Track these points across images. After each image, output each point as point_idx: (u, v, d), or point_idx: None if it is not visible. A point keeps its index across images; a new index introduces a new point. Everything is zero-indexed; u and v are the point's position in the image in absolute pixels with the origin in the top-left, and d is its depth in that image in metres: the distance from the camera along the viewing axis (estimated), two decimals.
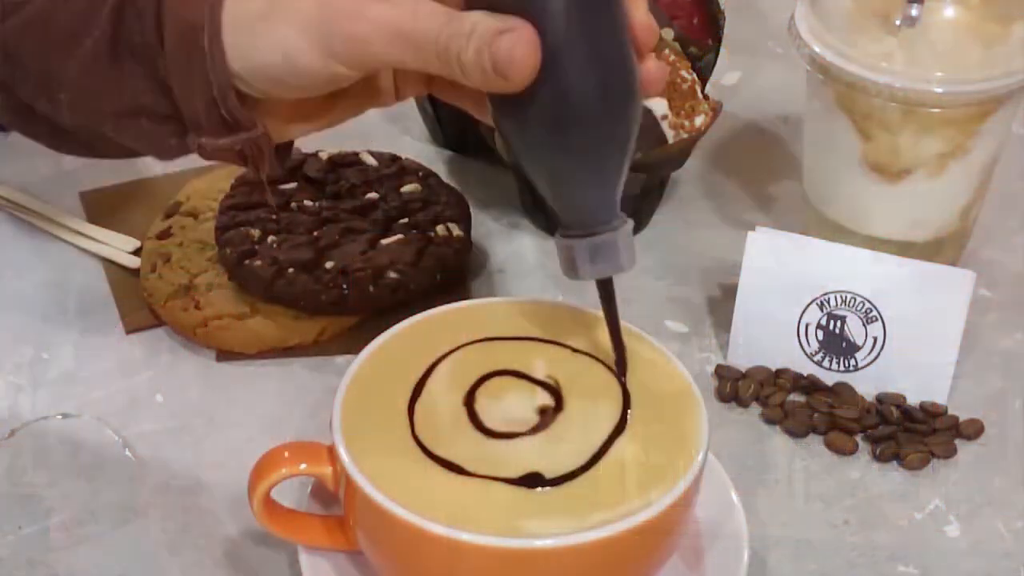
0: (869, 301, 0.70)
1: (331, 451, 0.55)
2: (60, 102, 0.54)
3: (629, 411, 0.56)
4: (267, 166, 0.55)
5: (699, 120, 0.78)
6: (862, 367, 0.71)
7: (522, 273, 0.80)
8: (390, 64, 0.52)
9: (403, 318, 0.61)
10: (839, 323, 0.70)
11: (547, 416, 0.55)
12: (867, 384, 0.71)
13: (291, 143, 0.58)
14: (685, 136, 0.77)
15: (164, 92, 0.52)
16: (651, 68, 0.52)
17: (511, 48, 0.48)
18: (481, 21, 0.49)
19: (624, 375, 0.57)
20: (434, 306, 0.62)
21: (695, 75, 0.80)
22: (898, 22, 0.71)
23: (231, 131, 0.53)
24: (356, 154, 0.81)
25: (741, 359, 0.73)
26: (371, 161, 0.81)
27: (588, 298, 0.77)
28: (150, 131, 0.53)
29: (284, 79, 0.51)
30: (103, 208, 0.83)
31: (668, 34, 0.82)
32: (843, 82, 0.71)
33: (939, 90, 0.69)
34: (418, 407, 0.56)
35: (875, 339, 0.70)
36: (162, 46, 0.51)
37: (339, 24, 0.50)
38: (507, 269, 0.80)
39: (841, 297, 0.70)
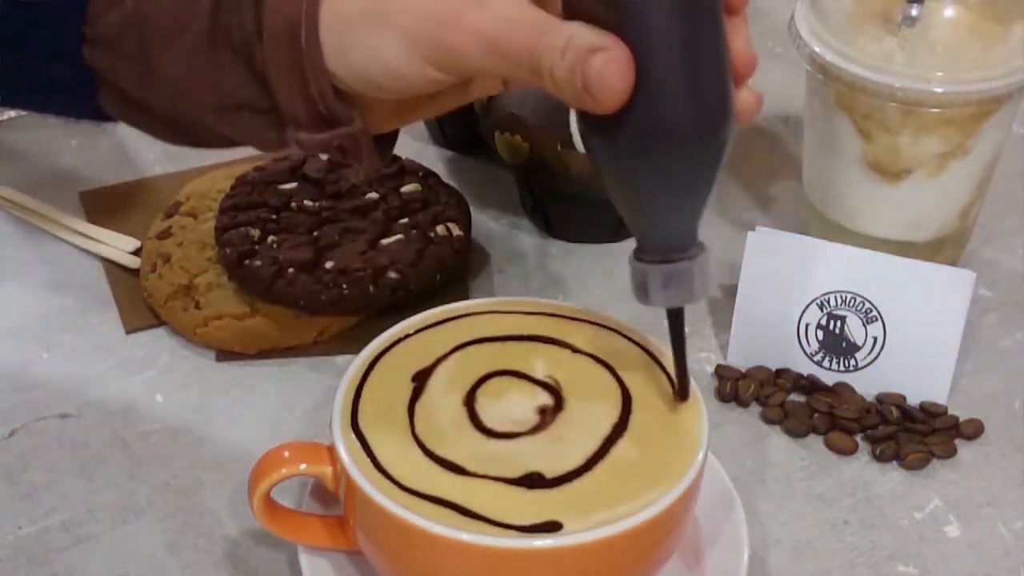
0: (869, 301, 0.70)
1: (331, 451, 0.55)
2: (161, 95, 0.53)
3: (629, 411, 0.56)
4: (365, 160, 0.54)
5: None
6: (862, 367, 0.71)
7: (522, 273, 0.80)
8: (485, 73, 0.51)
9: (403, 318, 0.61)
10: (839, 323, 0.70)
11: (547, 416, 0.55)
12: (867, 384, 0.71)
13: (395, 133, 0.57)
14: None
15: (263, 86, 0.52)
16: (746, 97, 0.50)
17: (603, 69, 0.45)
18: (576, 36, 0.46)
19: (684, 398, 0.56)
20: (434, 306, 0.62)
21: None
22: (898, 22, 0.71)
23: (329, 126, 0.52)
24: None
25: (741, 359, 0.73)
26: None
27: (588, 298, 0.78)
28: (250, 123, 0.53)
29: (381, 82, 0.50)
30: (103, 208, 0.83)
31: None
32: (843, 82, 0.71)
33: (939, 90, 0.69)
34: (418, 407, 0.56)
35: (875, 339, 0.70)
36: (260, 40, 0.51)
37: (436, 32, 0.48)
38: (507, 269, 0.80)
39: (841, 297, 0.70)
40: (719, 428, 0.69)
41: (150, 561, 0.62)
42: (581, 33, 0.46)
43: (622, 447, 0.54)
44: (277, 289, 0.72)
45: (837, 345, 0.71)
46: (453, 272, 0.76)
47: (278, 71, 0.51)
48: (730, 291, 0.74)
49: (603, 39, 0.46)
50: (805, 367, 0.72)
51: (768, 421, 0.70)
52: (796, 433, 0.69)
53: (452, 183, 0.82)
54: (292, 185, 0.78)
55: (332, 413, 0.55)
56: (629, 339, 0.60)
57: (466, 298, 0.76)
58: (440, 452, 0.54)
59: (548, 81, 0.47)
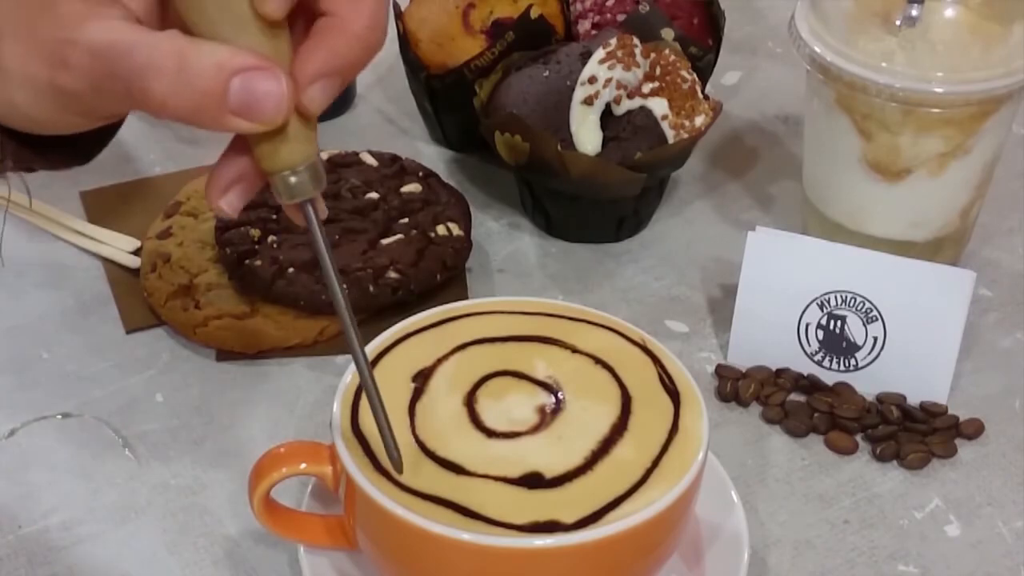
0: (869, 301, 0.70)
1: (331, 451, 0.55)
2: None
3: (629, 411, 0.56)
4: (48, 166, 0.52)
5: (699, 120, 0.78)
6: (862, 367, 0.71)
7: (522, 273, 0.80)
8: (110, 108, 0.48)
9: (403, 318, 0.61)
10: (839, 323, 0.70)
11: (547, 416, 0.55)
12: (867, 384, 0.71)
13: (104, 131, 0.53)
14: (685, 136, 0.77)
15: None
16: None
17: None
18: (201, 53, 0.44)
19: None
20: (434, 306, 0.62)
21: (695, 75, 0.80)
22: (898, 22, 0.71)
23: None
24: (356, 154, 0.81)
25: (741, 359, 0.73)
26: (371, 161, 0.81)
27: (588, 298, 0.78)
28: None
29: (30, 127, 0.49)
30: (103, 208, 0.83)
31: (668, 34, 0.82)
32: (843, 82, 0.71)
33: (939, 90, 0.69)
34: (418, 407, 0.56)
35: (875, 339, 0.70)
36: None
37: (49, 80, 0.46)
38: (507, 269, 0.80)
39: (841, 297, 0.70)
40: (719, 428, 0.69)
41: (150, 561, 0.62)
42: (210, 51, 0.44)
43: (622, 447, 0.54)
44: (277, 289, 0.72)
45: (837, 345, 0.71)
46: (453, 272, 0.76)
47: None
48: (730, 291, 0.74)
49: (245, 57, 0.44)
50: (805, 367, 0.72)
51: (768, 421, 0.70)
52: (796, 433, 0.69)
53: (452, 183, 0.82)
54: None
55: (332, 413, 0.55)
56: (629, 339, 0.60)
57: (466, 298, 0.77)
58: (440, 452, 0.54)
59: (156, 104, 0.44)
